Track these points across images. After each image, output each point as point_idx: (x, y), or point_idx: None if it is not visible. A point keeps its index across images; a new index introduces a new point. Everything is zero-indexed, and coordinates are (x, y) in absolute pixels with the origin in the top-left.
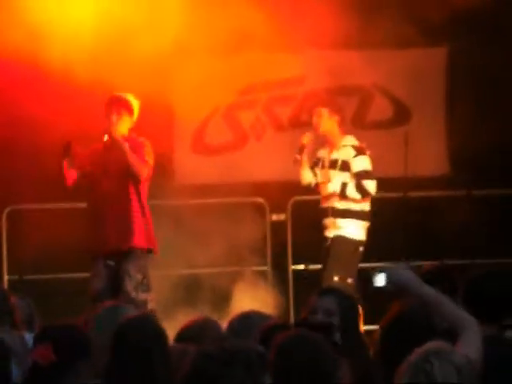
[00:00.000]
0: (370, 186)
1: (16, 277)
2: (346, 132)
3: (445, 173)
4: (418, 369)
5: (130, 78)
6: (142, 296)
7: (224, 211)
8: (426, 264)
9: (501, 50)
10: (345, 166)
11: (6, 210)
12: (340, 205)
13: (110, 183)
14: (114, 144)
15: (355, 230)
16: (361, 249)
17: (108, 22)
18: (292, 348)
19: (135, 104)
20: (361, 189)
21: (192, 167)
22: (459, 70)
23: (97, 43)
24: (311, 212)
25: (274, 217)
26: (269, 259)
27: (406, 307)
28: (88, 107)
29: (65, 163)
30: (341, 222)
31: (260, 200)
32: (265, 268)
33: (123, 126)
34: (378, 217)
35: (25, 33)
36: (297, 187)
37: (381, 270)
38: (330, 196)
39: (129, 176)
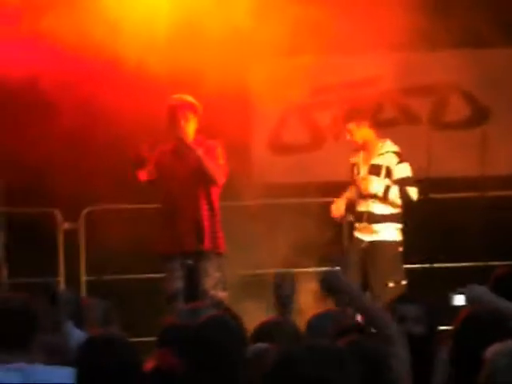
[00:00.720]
0: (413, 192)
1: (94, 277)
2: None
3: None
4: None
5: (207, 76)
6: (220, 294)
7: (300, 211)
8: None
9: None
10: (388, 173)
11: (85, 211)
12: (378, 209)
13: (182, 187)
14: (185, 150)
15: (393, 233)
16: (400, 249)
17: (183, 14)
18: None
19: (198, 104)
20: (404, 194)
21: (269, 166)
22: None
23: (172, 36)
24: None
25: (351, 217)
26: None
27: (479, 308)
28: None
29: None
30: (377, 226)
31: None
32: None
33: (191, 129)
34: (455, 216)
35: (102, 27)
36: None
37: (459, 291)
38: (368, 198)
39: (200, 180)
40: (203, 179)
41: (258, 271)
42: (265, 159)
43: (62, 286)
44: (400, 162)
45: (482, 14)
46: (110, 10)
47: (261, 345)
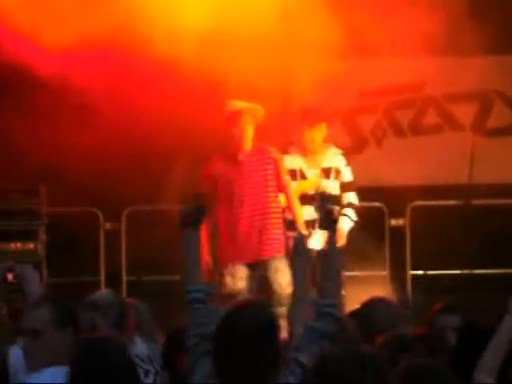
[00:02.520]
0: (354, 197)
1: (134, 278)
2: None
3: None
4: None
5: (251, 80)
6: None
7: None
8: None
9: None
10: (337, 175)
11: (126, 211)
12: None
13: (245, 197)
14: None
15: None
16: None
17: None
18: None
19: (259, 109)
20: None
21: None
22: None
23: (212, 39)
24: (430, 217)
25: (393, 222)
26: (388, 264)
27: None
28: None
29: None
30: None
31: (379, 205)
32: (383, 273)
33: (250, 135)
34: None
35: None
36: (416, 192)
37: None
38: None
39: (262, 188)
40: (264, 187)
41: None
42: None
43: (103, 285)
44: (347, 164)
45: None
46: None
47: None
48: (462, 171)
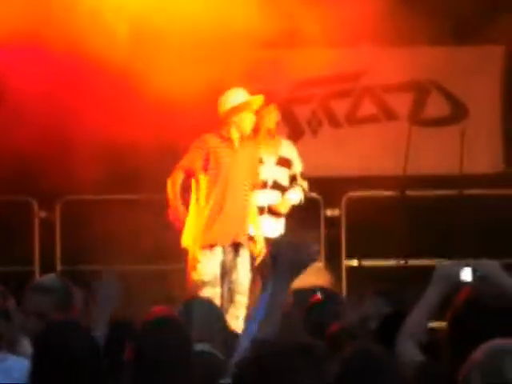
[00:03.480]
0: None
1: (69, 267)
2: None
3: (499, 170)
4: (488, 368)
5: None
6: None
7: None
8: None
9: None
10: (290, 164)
11: (61, 201)
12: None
13: (239, 183)
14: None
15: None
16: None
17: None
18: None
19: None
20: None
21: None
22: None
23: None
24: (364, 208)
25: (329, 212)
26: (323, 254)
27: (481, 292)
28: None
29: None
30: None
31: (315, 195)
32: (319, 263)
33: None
34: (433, 214)
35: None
36: (352, 183)
37: (467, 265)
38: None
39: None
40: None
41: None
42: None
43: (37, 274)
44: (297, 154)
45: (462, 11)
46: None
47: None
48: (398, 162)
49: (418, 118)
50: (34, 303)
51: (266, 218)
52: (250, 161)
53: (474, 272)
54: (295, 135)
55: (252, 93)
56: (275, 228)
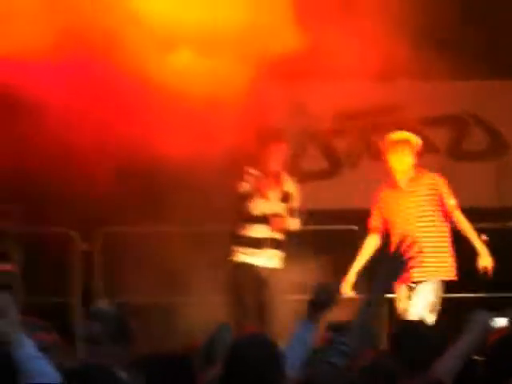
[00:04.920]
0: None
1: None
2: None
3: None
4: None
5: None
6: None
7: (319, 238)
8: None
9: None
10: (289, 199)
11: (101, 233)
12: (280, 236)
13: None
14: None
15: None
16: None
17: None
18: None
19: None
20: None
21: None
22: None
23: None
24: None
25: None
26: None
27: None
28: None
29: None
30: (280, 253)
31: (354, 227)
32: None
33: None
34: None
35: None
36: None
37: (501, 313)
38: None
39: None
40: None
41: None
42: None
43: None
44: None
45: (501, 45)
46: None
47: None
48: None
49: (457, 152)
50: (88, 330)
51: (266, 250)
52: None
53: (509, 320)
54: (334, 168)
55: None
56: (275, 261)
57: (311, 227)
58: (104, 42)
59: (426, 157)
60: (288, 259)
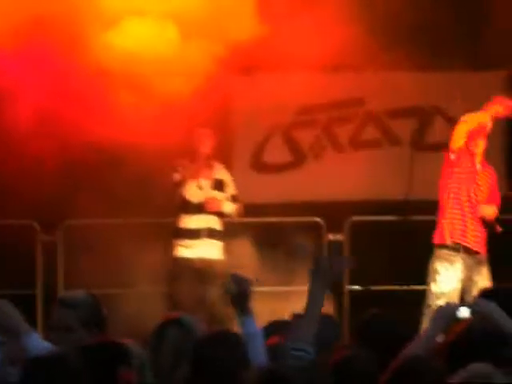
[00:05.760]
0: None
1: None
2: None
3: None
4: None
5: (188, 92)
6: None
7: (281, 230)
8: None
9: None
10: (223, 187)
11: (63, 224)
12: (218, 226)
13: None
14: None
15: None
16: None
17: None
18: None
19: None
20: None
21: (250, 186)
22: None
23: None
24: (369, 232)
25: (332, 236)
26: None
27: (472, 328)
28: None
29: None
30: (218, 243)
31: (318, 220)
32: None
33: None
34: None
35: None
36: (355, 207)
37: (465, 304)
38: (208, 214)
39: None
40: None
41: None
42: (246, 178)
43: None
44: (230, 177)
45: (468, 39)
46: None
47: None
48: (401, 186)
49: (420, 143)
50: (60, 318)
51: (204, 240)
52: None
53: (473, 311)
54: (298, 160)
55: (257, 117)
56: (213, 251)
57: (275, 219)
58: (44, 24)
59: (390, 148)
60: (249, 252)
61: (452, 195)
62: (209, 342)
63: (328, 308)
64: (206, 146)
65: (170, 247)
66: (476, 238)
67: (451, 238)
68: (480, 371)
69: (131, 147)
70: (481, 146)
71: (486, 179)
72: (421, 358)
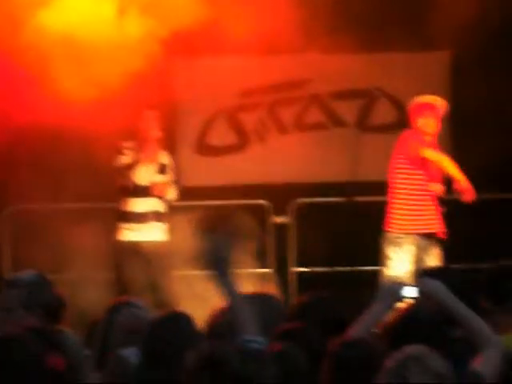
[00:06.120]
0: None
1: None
2: None
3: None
4: (394, 374)
5: (129, 74)
6: None
7: (227, 213)
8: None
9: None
10: (165, 171)
11: (8, 210)
12: (163, 209)
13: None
14: None
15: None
16: None
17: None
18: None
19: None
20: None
21: (195, 169)
22: (463, 74)
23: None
24: (314, 214)
25: (278, 219)
26: (272, 261)
27: (417, 308)
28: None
29: None
30: (164, 226)
31: (263, 202)
32: (268, 270)
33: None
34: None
35: None
36: (301, 190)
37: (411, 283)
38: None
39: None
40: None
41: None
42: (190, 161)
43: None
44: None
45: (412, 19)
46: None
47: None
48: (347, 168)
49: (365, 125)
50: (2, 298)
51: (150, 223)
52: None
53: (419, 290)
54: (242, 142)
55: (201, 100)
56: (159, 234)
57: (220, 202)
58: None
59: (335, 130)
60: (192, 234)
61: (400, 179)
62: (159, 323)
63: (275, 290)
64: (156, 128)
65: (114, 231)
66: (427, 220)
67: (399, 225)
68: (412, 353)
69: (73, 131)
70: (431, 125)
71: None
72: (360, 342)
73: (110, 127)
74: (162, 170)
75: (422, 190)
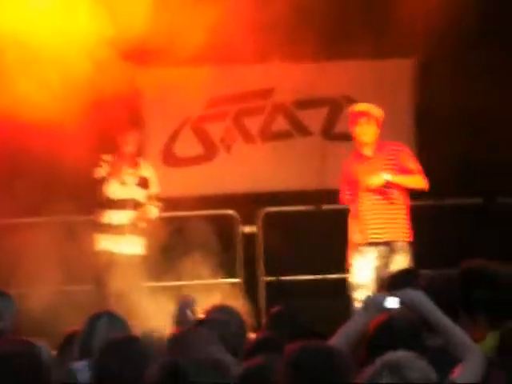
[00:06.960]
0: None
1: None
2: None
3: None
4: (369, 381)
5: (95, 85)
6: None
7: (195, 224)
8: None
9: (470, 63)
10: (147, 184)
11: None
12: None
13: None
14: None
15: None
16: None
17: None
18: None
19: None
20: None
21: (162, 180)
22: (428, 81)
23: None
24: (282, 223)
25: (246, 229)
26: (241, 271)
27: (396, 316)
28: None
29: None
30: (139, 239)
31: (231, 212)
32: (236, 280)
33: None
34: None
35: None
36: (268, 199)
37: (393, 294)
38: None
39: None
40: None
41: (159, 284)
42: (157, 172)
43: None
44: (155, 176)
45: (375, 26)
46: None
47: None
48: (313, 176)
49: (331, 133)
50: None
51: (127, 236)
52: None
53: (401, 301)
54: (209, 153)
55: (167, 111)
56: (135, 247)
57: (187, 213)
58: None
59: (300, 139)
60: (162, 246)
61: (350, 193)
62: (108, 351)
63: (243, 299)
64: (130, 145)
65: (90, 243)
66: (386, 229)
67: (361, 236)
68: (390, 360)
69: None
70: (366, 133)
71: (383, 163)
72: (318, 347)
73: (78, 140)
74: (144, 183)
75: (369, 201)
